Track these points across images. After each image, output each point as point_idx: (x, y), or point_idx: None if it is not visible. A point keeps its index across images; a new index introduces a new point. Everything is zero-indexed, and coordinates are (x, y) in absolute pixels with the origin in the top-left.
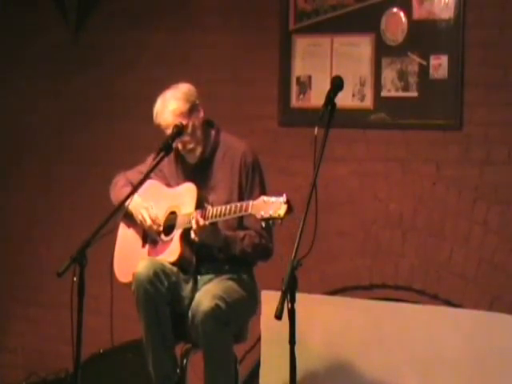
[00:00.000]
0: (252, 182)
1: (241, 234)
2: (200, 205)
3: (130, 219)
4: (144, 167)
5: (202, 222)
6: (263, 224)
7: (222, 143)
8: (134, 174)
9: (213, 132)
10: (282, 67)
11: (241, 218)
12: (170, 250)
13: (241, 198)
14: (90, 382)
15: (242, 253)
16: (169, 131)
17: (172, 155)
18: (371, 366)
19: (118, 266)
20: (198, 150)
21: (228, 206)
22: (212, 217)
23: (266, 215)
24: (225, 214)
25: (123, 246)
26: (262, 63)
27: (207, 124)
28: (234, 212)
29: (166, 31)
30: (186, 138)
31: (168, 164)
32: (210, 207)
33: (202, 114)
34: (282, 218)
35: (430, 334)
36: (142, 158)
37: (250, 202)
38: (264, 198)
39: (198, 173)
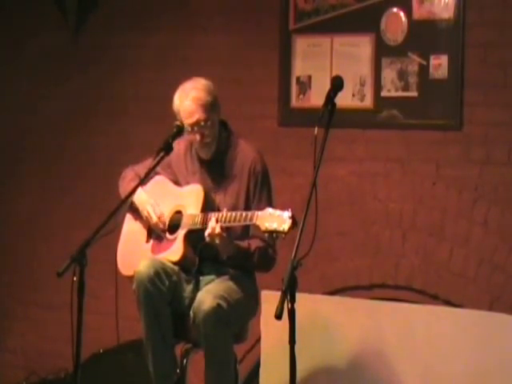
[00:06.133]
0: (260, 192)
1: (252, 246)
2: (206, 207)
3: (136, 212)
4: (152, 162)
5: (218, 227)
6: (266, 236)
7: (234, 146)
8: (143, 169)
9: (227, 133)
10: (281, 67)
11: (247, 225)
12: (173, 249)
13: (247, 204)
14: (90, 381)
15: (249, 264)
16: (190, 120)
17: (181, 151)
18: (371, 366)
19: (121, 258)
20: (213, 146)
21: (234, 213)
22: (221, 222)
23: (271, 228)
24: (230, 221)
25: (128, 239)
26: (262, 63)
27: (223, 124)
28: (239, 220)
29: (166, 31)
30: (206, 131)
31: (177, 160)
32: (223, 212)
33: (220, 112)
34: (285, 233)
35: (430, 334)
36: (141, 158)
37: (256, 213)
38: (270, 210)
39: (208, 170)
